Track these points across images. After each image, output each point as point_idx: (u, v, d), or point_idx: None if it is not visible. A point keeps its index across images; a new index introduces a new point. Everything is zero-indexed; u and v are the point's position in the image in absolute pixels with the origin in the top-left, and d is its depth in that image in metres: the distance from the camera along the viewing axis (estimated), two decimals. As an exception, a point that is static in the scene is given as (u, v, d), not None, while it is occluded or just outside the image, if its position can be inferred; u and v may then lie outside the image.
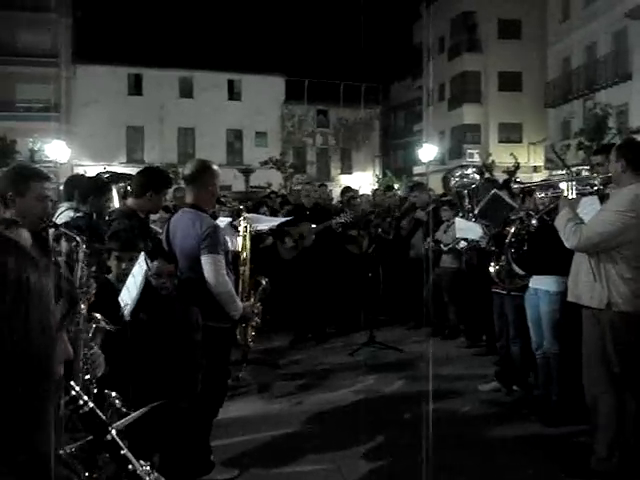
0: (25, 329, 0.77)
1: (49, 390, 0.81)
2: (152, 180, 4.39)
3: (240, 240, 5.32)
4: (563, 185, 4.60)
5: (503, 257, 5.38)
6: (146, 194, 4.28)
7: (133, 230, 4.05)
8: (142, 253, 3.39)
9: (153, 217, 5.70)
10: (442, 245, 8.07)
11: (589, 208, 4.33)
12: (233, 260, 5.23)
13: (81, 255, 2.91)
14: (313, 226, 7.93)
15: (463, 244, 7.25)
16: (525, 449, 4.75)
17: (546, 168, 29.84)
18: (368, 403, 5.85)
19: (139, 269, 3.25)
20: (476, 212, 6.08)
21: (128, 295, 3.10)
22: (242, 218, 5.38)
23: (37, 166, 4.81)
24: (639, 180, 4.07)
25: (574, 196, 4.43)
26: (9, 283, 0.77)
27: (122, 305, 3.03)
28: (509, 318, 5.91)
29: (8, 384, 0.75)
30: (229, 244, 4.78)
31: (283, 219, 7.91)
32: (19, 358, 0.76)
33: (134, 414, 1.50)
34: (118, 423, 1.36)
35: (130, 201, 4.45)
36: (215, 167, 4.31)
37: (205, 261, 3.96)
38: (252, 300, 5.49)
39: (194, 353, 3.98)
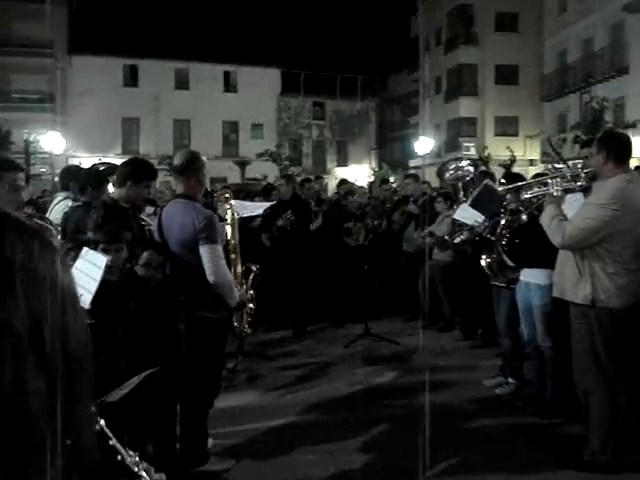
0: (63, 320, 0.75)
1: (89, 376, 0.80)
2: (133, 170, 4.34)
3: (228, 228, 5.34)
4: (548, 182, 4.56)
5: (495, 249, 5.37)
6: (126, 184, 4.25)
7: (108, 220, 4.01)
8: (85, 248, 3.33)
9: (148, 211, 5.69)
10: (448, 239, 7.87)
11: (574, 204, 4.30)
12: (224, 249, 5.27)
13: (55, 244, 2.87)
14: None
15: (461, 238, 7.19)
16: (520, 441, 4.76)
17: (542, 162, 29.80)
18: (363, 395, 5.87)
19: (86, 263, 3.18)
20: (469, 202, 6.07)
21: (80, 288, 3.03)
22: (228, 206, 5.41)
23: (11, 156, 4.77)
24: (621, 172, 4.08)
25: (559, 193, 4.41)
26: (39, 274, 0.75)
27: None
28: (501, 311, 5.92)
29: (55, 377, 0.73)
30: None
31: (267, 204, 7.93)
32: (63, 352, 0.74)
33: (126, 384, 1.47)
34: (111, 395, 1.33)
35: (113, 191, 4.46)
36: (204, 158, 4.37)
37: (204, 251, 3.94)
38: (245, 287, 5.55)
39: (178, 344, 3.98)
